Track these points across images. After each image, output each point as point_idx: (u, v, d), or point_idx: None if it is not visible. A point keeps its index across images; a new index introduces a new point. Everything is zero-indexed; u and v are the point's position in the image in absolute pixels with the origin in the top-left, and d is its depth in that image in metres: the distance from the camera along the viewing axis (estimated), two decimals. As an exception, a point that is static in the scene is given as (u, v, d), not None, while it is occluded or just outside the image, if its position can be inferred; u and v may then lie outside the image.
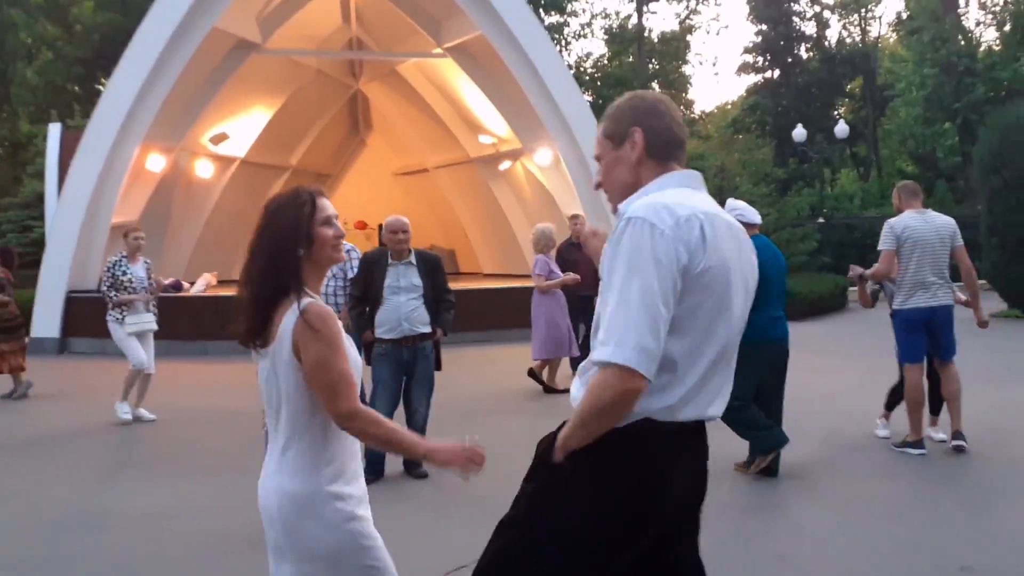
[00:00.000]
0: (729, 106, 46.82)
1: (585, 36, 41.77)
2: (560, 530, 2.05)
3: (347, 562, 2.22)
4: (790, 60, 39.52)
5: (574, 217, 10.72)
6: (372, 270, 5.87)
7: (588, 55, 42.42)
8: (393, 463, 5.87)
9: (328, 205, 2.38)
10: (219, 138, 16.65)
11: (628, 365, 1.90)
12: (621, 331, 1.93)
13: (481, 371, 10.75)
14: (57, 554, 4.57)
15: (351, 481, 2.30)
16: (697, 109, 46.97)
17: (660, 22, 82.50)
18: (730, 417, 5.94)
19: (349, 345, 2.28)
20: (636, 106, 2.24)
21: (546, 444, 2.15)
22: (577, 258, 10.19)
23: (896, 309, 6.31)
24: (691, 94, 58.17)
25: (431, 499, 5.43)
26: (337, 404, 2.19)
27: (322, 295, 7.70)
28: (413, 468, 5.81)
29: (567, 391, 7.46)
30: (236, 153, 17.66)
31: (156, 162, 15.25)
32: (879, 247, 6.28)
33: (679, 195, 2.10)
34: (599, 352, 1.97)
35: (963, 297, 6.51)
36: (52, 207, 14.81)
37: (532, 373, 9.37)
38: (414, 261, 5.85)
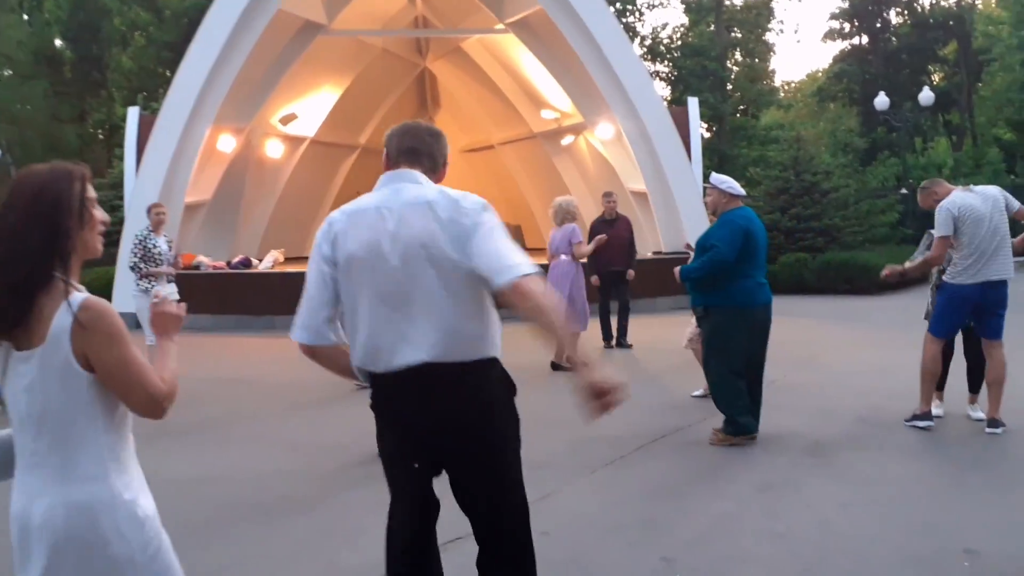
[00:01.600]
0: (820, 74, 45.37)
1: (662, 5, 40.93)
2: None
3: (143, 569, 2.04)
4: (879, 25, 38.08)
5: (607, 194, 10.72)
6: None
7: (665, 25, 41.68)
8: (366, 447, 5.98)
9: (91, 187, 2.13)
10: (288, 118, 17.05)
11: (295, 339, 2.66)
12: (300, 311, 2.67)
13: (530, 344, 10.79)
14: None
15: (141, 486, 2.12)
16: (779, 78, 45.67)
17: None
18: (715, 386, 6.01)
19: None
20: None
21: None
22: (608, 234, 10.19)
23: (946, 282, 6.08)
24: (774, 63, 56.55)
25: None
26: (148, 393, 2.01)
27: None
28: None
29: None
30: (306, 133, 18.06)
31: (227, 143, 15.75)
32: (936, 233, 6.01)
33: (369, 196, 2.71)
34: None
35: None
36: (130, 187, 15.46)
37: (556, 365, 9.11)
38: None
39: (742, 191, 6.08)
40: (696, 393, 7.55)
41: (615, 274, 10.51)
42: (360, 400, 7.77)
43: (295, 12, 15.28)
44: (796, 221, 18.98)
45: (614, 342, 10.66)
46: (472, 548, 2.82)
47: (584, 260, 9.48)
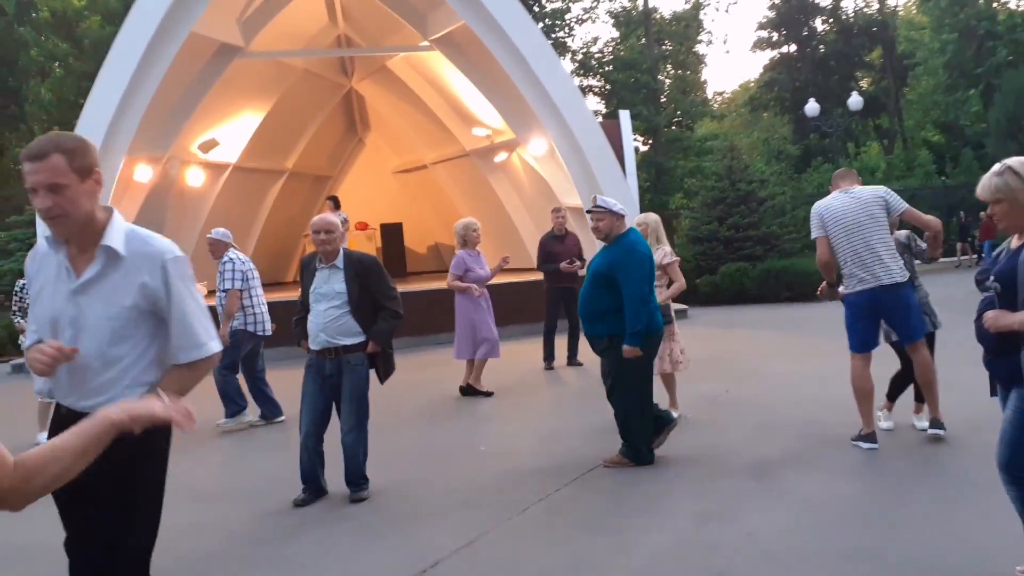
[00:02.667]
0: (751, 84, 45.90)
1: (591, 20, 41.05)
2: None
3: None
4: (806, 33, 38.68)
5: (556, 210, 10.35)
6: (304, 274, 5.49)
7: (595, 39, 41.78)
8: (335, 482, 5.51)
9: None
10: (208, 145, 16.42)
11: None
12: None
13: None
14: None
15: None
16: (711, 89, 46.11)
17: (668, 2, 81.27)
18: (631, 417, 5.70)
19: None
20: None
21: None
22: (559, 251, 9.83)
23: (843, 294, 5.87)
24: (705, 74, 57.21)
25: (372, 516, 5.07)
26: None
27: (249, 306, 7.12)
28: (354, 491, 5.41)
29: (490, 393, 6.86)
30: (228, 159, 17.42)
31: (144, 173, 15.08)
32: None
33: None
34: None
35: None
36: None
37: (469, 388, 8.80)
38: (340, 265, 5.32)
39: (624, 211, 5.83)
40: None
41: (565, 291, 10.03)
42: (243, 440, 7.26)
43: (209, 35, 14.71)
44: (734, 231, 18.93)
45: (566, 361, 10.21)
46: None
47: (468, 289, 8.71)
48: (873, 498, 4.78)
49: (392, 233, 20.38)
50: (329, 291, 5.29)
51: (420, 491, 5.49)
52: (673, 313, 7.08)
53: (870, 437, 5.76)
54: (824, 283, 6.09)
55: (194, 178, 16.70)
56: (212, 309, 7.70)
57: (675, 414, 6.98)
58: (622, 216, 5.76)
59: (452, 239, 22.21)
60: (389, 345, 5.48)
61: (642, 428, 5.71)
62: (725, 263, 18.35)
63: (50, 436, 2.30)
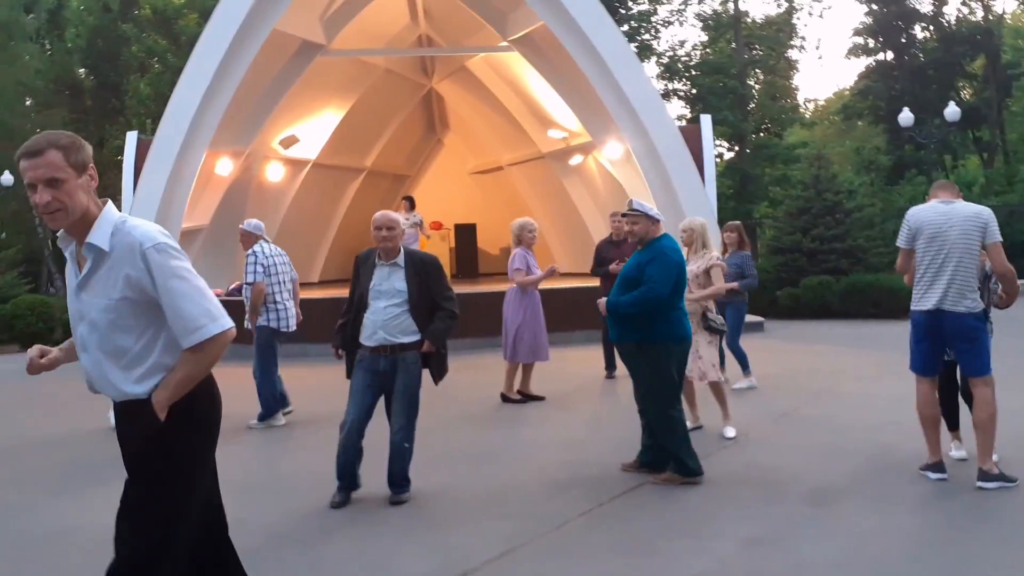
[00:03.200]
0: (845, 92, 44.53)
1: (679, 22, 40.41)
2: None
3: None
4: (904, 40, 37.23)
5: (615, 214, 10.10)
6: (360, 271, 5.39)
7: (683, 43, 41.05)
8: (375, 483, 5.40)
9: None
10: (289, 141, 16.67)
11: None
12: None
13: (543, 372, 10.22)
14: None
15: None
16: (802, 96, 44.90)
17: (760, 5, 79.33)
18: (663, 427, 5.51)
19: None
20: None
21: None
22: (615, 256, 9.57)
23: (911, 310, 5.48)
24: (796, 80, 55.75)
25: (411, 514, 4.95)
26: None
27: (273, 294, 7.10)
28: (395, 492, 5.31)
29: (542, 398, 6.67)
30: (308, 156, 17.66)
31: (225, 166, 15.39)
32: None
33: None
34: None
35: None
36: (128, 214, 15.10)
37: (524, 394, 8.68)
38: (401, 263, 5.24)
39: (660, 216, 5.72)
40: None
41: None
42: (283, 434, 7.17)
43: (292, 32, 14.92)
44: (819, 242, 18.26)
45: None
46: None
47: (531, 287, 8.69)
48: (935, 536, 4.43)
49: (466, 234, 20.36)
50: (389, 288, 5.21)
51: (460, 496, 5.36)
52: (720, 322, 6.82)
53: (938, 467, 5.37)
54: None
55: (274, 173, 16.97)
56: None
57: (733, 432, 6.71)
58: (657, 221, 5.67)
59: (526, 242, 22.07)
60: (444, 346, 5.40)
61: (677, 438, 5.50)
62: (808, 275, 17.72)
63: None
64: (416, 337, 5.23)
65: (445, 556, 4.30)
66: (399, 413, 5.25)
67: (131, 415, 2.64)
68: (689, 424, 6.88)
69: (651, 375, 5.52)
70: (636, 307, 5.44)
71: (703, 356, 6.71)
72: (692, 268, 6.69)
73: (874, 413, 7.41)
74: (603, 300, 5.70)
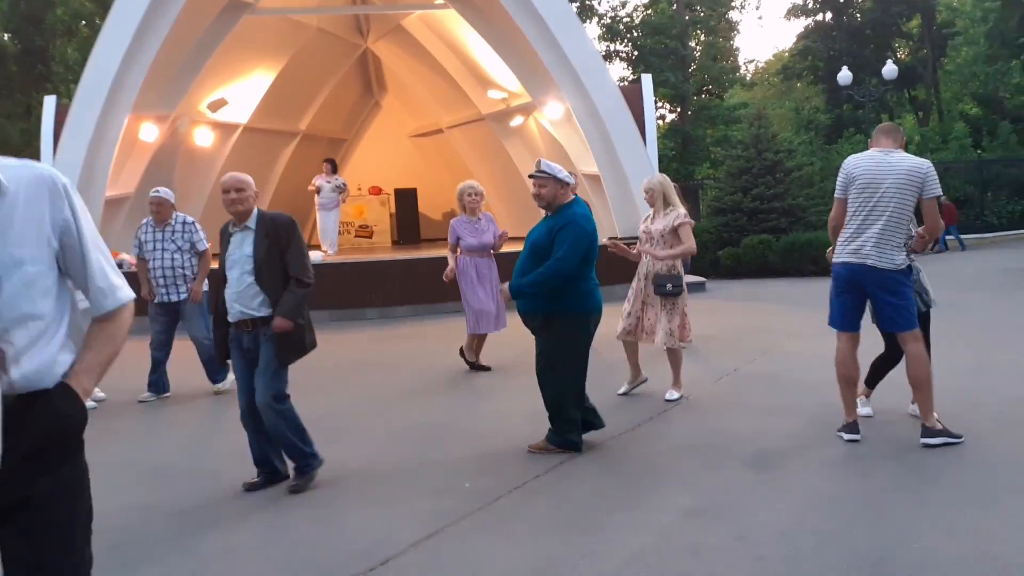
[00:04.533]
0: (785, 53, 44.67)
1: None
2: None
3: None
4: (842, 1, 37.38)
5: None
6: (222, 241, 4.89)
7: (623, 3, 40.69)
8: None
9: None
10: (217, 104, 15.99)
11: None
12: None
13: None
14: None
15: None
16: (743, 58, 44.91)
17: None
18: (560, 403, 5.28)
19: None
20: None
21: None
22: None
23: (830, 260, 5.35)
24: (737, 42, 55.83)
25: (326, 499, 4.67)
26: None
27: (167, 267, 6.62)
28: (294, 475, 4.91)
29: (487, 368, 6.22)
30: (238, 120, 16.99)
31: (150, 131, 14.68)
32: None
33: None
34: None
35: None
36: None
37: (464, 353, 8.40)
38: (252, 226, 4.73)
39: (570, 180, 5.36)
40: (621, 390, 6.81)
41: None
42: (211, 415, 6.84)
43: (217, -10, 14.25)
44: (759, 202, 18.25)
45: None
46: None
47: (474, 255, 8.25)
48: (882, 499, 4.29)
49: (406, 199, 19.91)
50: (241, 256, 4.72)
51: (391, 473, 5.09)
52: (685, 285, 6.60)
53: (852, 427, 5.27)
54: (832, 248, 5.55)
55: (203, 138, 16.29)
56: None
57: (676, 394, 6.57)
58: (567, 184, 5.30)
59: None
60: (301, 317, 4.77)
61: (568, 416, 5.29)
62: (748, 235, 17.74)
63: None
64: (270, 310, 4.69)
65: (370, 540, 4.03)
66: (261, 389, 4.68)
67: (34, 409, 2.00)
68: (625, 386, 6.77)
69: (558, 349, 5.24)
70: (541, 286, 5.12)
71: (661, 322, 6.51)
72: (659, 226, 6.53)
73: (814, 371, 7.29)
74: (506, 285, 5.35)
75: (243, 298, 4.70)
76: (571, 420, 5.30)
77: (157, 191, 7.65)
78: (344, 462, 5.20)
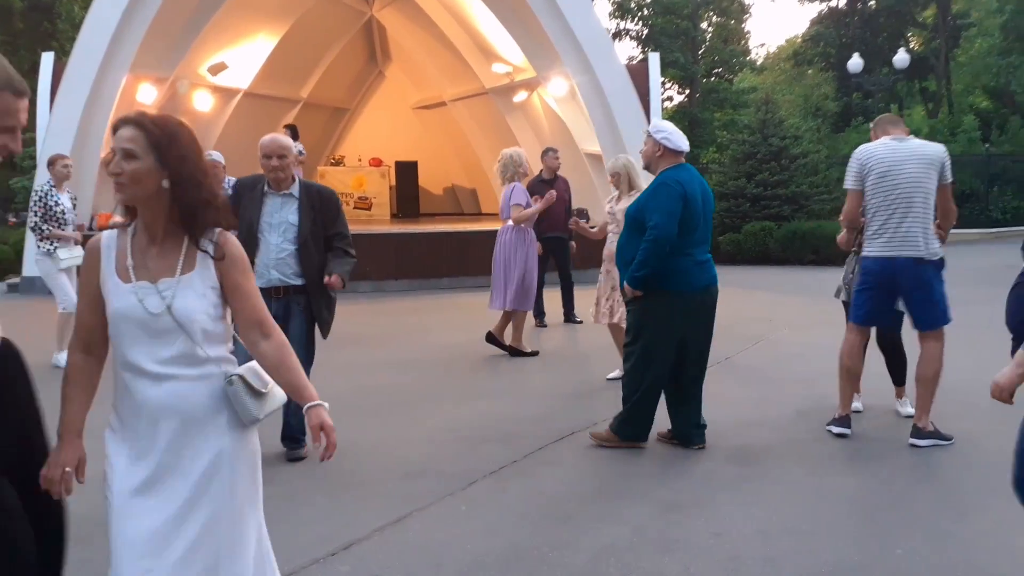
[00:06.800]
0: (797, 39, 44.18)
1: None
2: None
3: None
4: (857, -13, 36.91)
5: (548, 151, 9.63)
6: (242, 199, 4.72)
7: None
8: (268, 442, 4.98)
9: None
10: (217, 68, 15.77)
11: None
12: None
13: (474, 320, 9.82)
14: None
15: None
16: (754, 41, 44.39)
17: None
18: (638, 396, 4.93)
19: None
20: None
21: None
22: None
23: (861, 256, 5.15)
24: (749, 25, 55.22)
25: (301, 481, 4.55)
26: None
27: None
28: (291, 448, 4.89)
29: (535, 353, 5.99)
30: (239, 84, 16.77)
31: (148, 93, 14.51)
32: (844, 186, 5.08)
33: None
34: None
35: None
36: (43, 139, 14.21)
37: (492, 337, 7.97)
38: (296, 194, 4.67)
39: (683, 146, 4.92)
40: (611, 376, 6.66)
41: (553, 240, 9.22)
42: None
43: (220, -51, 14.00)
44: (762, 188, 18.06)
45: (563, 318, 9.61)
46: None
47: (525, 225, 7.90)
48: (867, 500, 4.16)
49: (407, 171, 19.71)
50: (282, 222, 4.66)
51: (367, 454, 4.95)
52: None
53: (844, 421, 5.13)
54: (843, 232, 5.37)
55: (202, 102, 16.09)
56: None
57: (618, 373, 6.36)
58: (663, 146, 4.87)
59: (468, 181, 21.55)
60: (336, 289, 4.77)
61: (641, 414, 4.94)
62: (750, 222, 17.56)
63: None
64: (304, 280, 4.67)
65: (335, 523, 3.91)
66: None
67: None
68: (617, 371, 6.62)
69: (640, 330, 4.89)
70: (648, 264, 4.72)
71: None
72: (623, 207, 6.34)
73: (808, 363, 7.19)
74: (626, 286, 4.92)
75: (281, 266, 4.66)
76: (643, 406, 4.93)
77: (210, 154, 7.28)
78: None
